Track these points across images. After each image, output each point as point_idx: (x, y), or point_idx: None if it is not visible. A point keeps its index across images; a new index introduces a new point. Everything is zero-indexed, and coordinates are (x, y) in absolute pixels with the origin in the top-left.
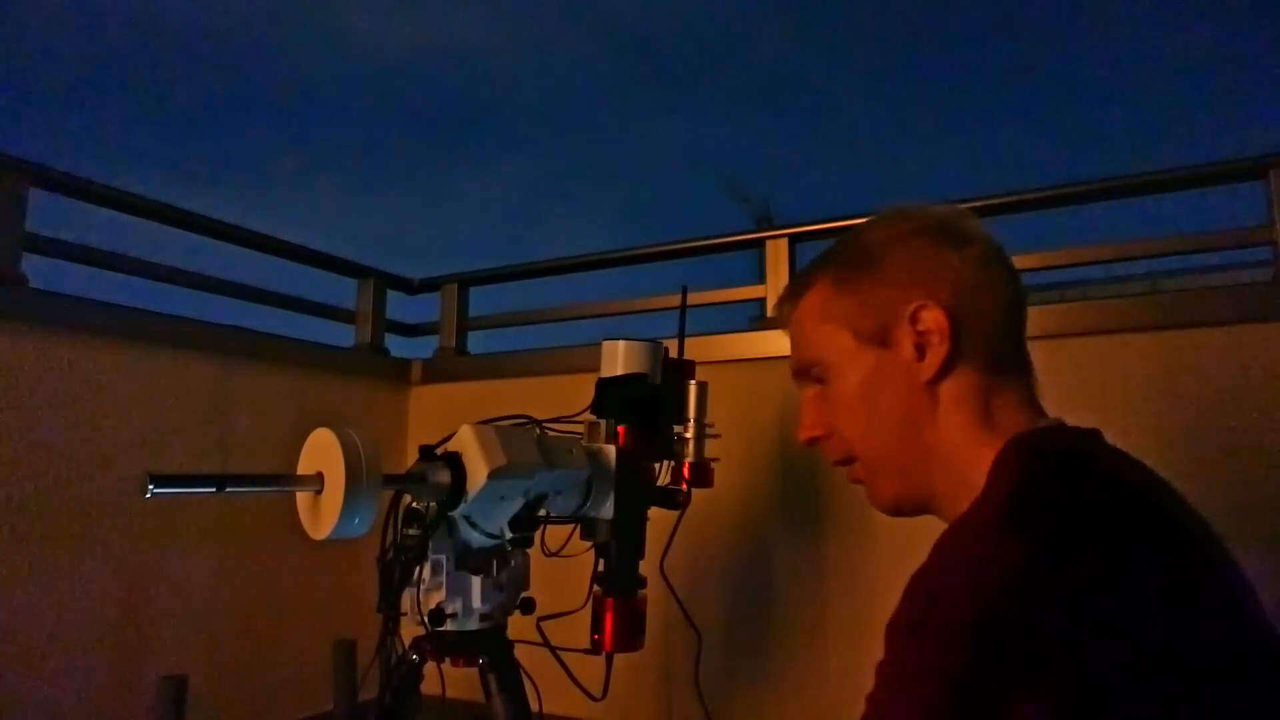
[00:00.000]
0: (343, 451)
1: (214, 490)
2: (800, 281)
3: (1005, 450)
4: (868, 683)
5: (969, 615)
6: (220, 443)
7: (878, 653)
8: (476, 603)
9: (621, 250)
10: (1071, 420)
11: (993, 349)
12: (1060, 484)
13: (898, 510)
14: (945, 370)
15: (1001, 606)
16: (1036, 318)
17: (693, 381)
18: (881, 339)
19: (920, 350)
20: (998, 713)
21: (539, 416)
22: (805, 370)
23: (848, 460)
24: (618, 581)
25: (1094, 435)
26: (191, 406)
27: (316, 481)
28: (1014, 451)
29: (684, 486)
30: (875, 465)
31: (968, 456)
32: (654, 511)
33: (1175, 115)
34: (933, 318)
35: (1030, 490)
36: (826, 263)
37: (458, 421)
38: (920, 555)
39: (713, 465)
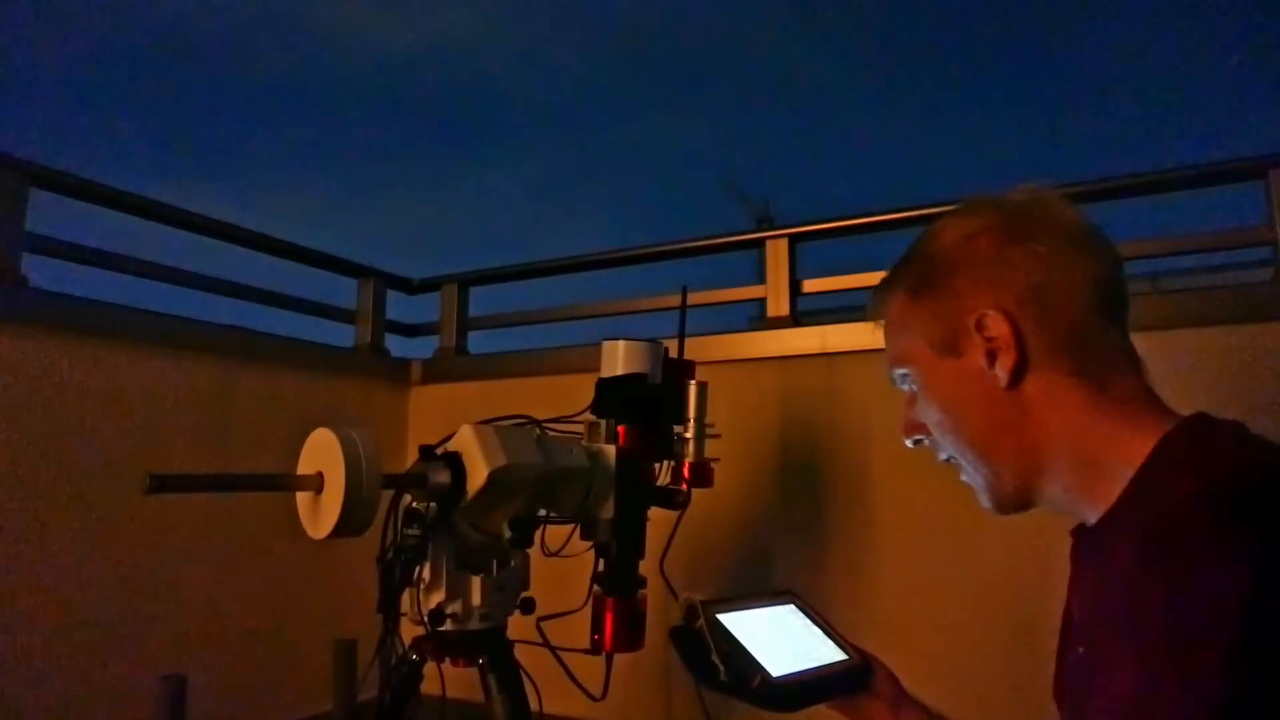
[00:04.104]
0: (343, 451)
1: (214, 490)
2: (882, 292)
3: (1176, 446)
4: None
5: (1238, 632)
6: (220, 443)
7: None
8: (476, 603)
9: (621, 250)
10: None
11: (1079, 342)
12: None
13: (1004, 510)
14: (1020, 374)
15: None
16: None
17: (693, 381)
18: (954, 349)
19: (991, 357)
20: None
21: (539, 416)
22: (897, 377)
23: (950, 459)
24: (618, 581)
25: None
26: (192, 406)
27: (316, 481)
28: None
29: (684, 486)
30: (972, 468)
31: (1096, 449)
32: (654, 511)
33: (1175, 115)
34: (996, 324)
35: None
36: (901, 273)
37: (458, 421)
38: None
39: (713, 465)
